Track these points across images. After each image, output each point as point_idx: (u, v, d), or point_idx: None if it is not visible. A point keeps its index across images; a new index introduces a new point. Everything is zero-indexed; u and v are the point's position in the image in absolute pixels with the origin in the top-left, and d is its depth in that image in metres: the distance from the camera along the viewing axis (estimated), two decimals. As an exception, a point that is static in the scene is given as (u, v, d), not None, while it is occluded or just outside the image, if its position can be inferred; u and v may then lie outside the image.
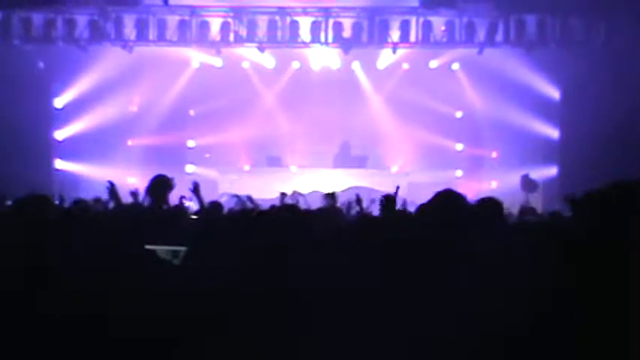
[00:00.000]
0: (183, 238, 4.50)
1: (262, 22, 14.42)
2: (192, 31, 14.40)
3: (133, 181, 12.81)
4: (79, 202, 7.65)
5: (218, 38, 14.48)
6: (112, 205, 6.22)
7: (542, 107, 15.75)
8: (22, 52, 14.72)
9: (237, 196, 8.14)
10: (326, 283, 2.94)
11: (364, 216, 5.91)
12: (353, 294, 2.83)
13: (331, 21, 14.34)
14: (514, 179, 14.95)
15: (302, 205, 6.20)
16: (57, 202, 8.19)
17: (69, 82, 16.18)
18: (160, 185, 6.02)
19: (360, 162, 16.89)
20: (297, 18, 14.39)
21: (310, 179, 15.76)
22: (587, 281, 2.41)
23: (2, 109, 14.09)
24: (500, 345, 2.49)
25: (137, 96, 16.96)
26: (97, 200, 8.52)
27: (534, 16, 13.91)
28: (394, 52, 14.84)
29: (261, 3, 14.41)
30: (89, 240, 3.18)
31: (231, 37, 14.50)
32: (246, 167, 17.48)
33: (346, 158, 16.92)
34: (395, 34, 14.36)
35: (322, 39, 14.44)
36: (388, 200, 5.66)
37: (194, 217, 6.70)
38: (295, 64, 17.08)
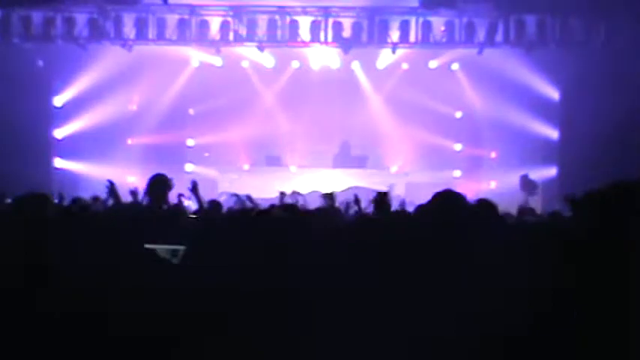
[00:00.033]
0: (183, 237, 4.49)
1: (262, 21, 14.41)
2: (192, 30, 14.39)
3: (132, 180, 12.80)
4: (77, 201, 7.65)
5: (218, 37, 14.47)
6: (111, 203, 6.22)
7: (541, 107, 15.74)
8: (22, 51, 14.71)
9: (236, 196, 8.15)
10: (325, 283, 2.94)
11: (363, 216, 5.91)
12: (352, 294, 2.83)
13: (331, 20, 14.34)
14: (513, 179, 14.93)
15: (301, 205, 6.20)
16: (56, 201, 8.19)
17: (68, 81, 16.17)
18: (159, 184, 6.02)
19: (359, 162, 16.90)
20: (296, 17, 14.39)
21: (310, 179, 15.76)
22: (587, 281, 2.41)
23: (2, 107, 14.08)
24: (500, 345, 2.49)
25: (137, 95, 16.96)
26: (96, 199, 8.51)
27: (534, 16, 13.90)
28: (394, 52, 14.84)
29: (261, 2, 14.40)
30: (88, 238, 3.18)
31: (231, 36, 14.49)
32: (246, 167, 17.48)
33: (346, 158, 16.93)
34: (395, 34, 14.35)
35: (322, 38, 14.44)
36: (382, 198, 5.65)
37: (193, 216, 6.69)
38: (295, 64, 17.08)
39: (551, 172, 15.76)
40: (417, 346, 2.59)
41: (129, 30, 14.29)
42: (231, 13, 14.44)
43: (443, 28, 14.20)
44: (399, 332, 2.63)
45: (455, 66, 16.78)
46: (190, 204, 7.23)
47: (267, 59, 16.44)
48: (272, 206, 6.16)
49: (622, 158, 12.25)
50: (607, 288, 2.35)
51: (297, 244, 3.39)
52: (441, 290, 2.65)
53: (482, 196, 4.22)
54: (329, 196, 8.70)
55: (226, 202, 8.25)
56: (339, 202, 8.38)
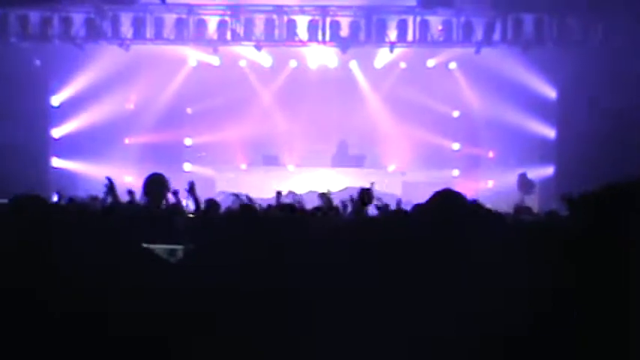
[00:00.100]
0: (180, 236, 4.50)
1: (259, 20, 14.42)
2: (190, 29, 14.40)
3: (129, 179, 12.79)
4: (74, 200, 7.65)
5: (215, 37, 14.48)
6: (109, 202, 6.21)
7: (539, 107, 15.76)
8: (19, 50, 14.70)
9: (235, 195, 8.13)
10: (324, 283, 2.94)
11: (361, 215, 5.92)
12: (351, 293, 2.83)
13: (328, 20, 14.35)
14: (511, 179, 14.97)
15: (297, 205, 6.20)
16: (55, 200, 8.19)
17: (66, 80, 16.15)
18: (156, 184, 6.02)
19: (357, 161, 16.89)
20: (294, 16, 14.40)
21: (307, 178, 15.75)
22: (586, 280, 2.41)
23: (-1, 107, 14.09)
24: (499, 344, 2.49)
25: (134, 94, 16.94)
26: (94, 198, 8.50)
27: (532, 15, 13.93)
28: (391, 51, 14.86)
29: (259, 1, 14.41)
30: (87, 238, 3.18)
31: (229, 35, 14.50)
32: (243, 166, 17.47)
33: (344, 157, 16.92)
34: (392, 33, 14.37)
35: (319, 38, 14.45)
36: (364, 194, 5.66)
37: (191, 215, 6.70)
38: (292, 63, 17.07)
39: (549, 171, 15.78)
40: (416, 346, 2.59)
41: (126, 29, 14.29)
42: (228, 13, 14.45)
43: (440, 27, 14.22)
44: (397, 331, 2.63)
45: (452, 65, 16.78)
46: (189, 203, 7.23)
47: (264, 58, 16.44)
48: (269, 206, 6.18)
49: (619, 158, 12.27)
50: (605, 287, 2.36)
51: (295, 243, 3.39)
52: (440, 289, 2.65)
53: (479, 195, 4.24)
54: (325, 196, 8.70)
55: (224, 202, 8.24)
56: (335, 203, 8.38)
